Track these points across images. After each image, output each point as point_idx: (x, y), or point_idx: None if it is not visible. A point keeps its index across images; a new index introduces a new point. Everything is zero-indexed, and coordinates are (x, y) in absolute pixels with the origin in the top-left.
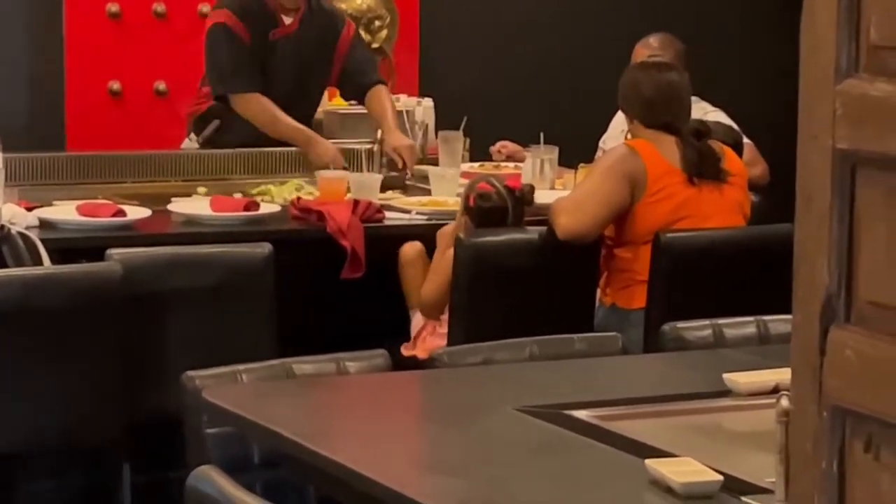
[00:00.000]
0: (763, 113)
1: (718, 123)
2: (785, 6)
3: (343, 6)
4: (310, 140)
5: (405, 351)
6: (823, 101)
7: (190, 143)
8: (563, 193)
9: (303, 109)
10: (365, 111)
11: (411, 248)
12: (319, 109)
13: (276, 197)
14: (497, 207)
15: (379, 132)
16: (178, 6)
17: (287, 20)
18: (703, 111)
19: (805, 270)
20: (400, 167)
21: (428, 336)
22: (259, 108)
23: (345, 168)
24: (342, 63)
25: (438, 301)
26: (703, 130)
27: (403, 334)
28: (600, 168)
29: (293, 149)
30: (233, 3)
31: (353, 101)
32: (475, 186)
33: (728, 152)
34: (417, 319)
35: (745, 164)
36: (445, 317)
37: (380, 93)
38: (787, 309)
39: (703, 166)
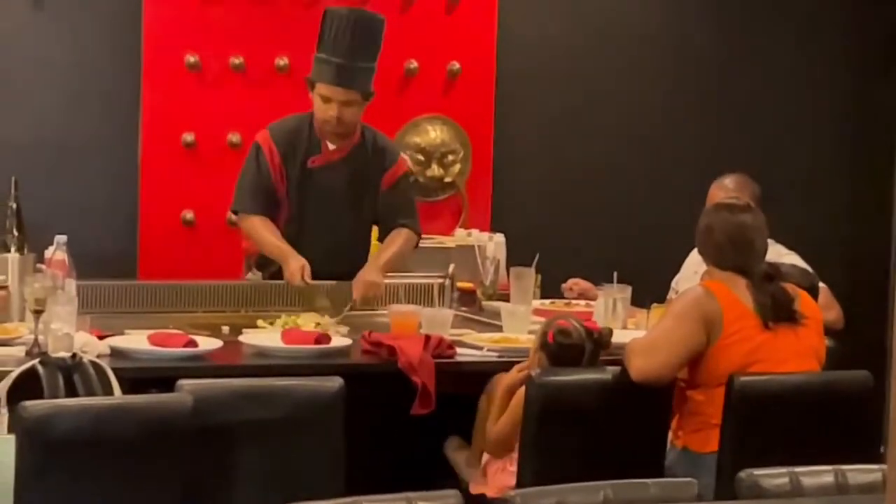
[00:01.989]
0: (837, 257)
1: (794, 266)
2: (864, 153)
3: (417, 140)
4: (284, 256)
5: (474, 488)
6: None
7: (253, 277)
8: (636, 333)
9: (350, 238)
10: (437, 246)
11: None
12: None
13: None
14: (575, 345)
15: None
16: (253, 135)
17: (331, 147)
18: (778, 254)
19: None
20: (353, 297)
21: (498, 472)
22: (255, 225)
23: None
24: (378, 201)
25: (506, 439)
26: (774, 273)
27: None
28: (676, 310)
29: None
30: (277, 126)
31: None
32: (554, 323)
33: (802, 295)
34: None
35: (819, 308)
36: (514, 454)
37: (396, 233)
38: (863, 456)
39: (776, 310)
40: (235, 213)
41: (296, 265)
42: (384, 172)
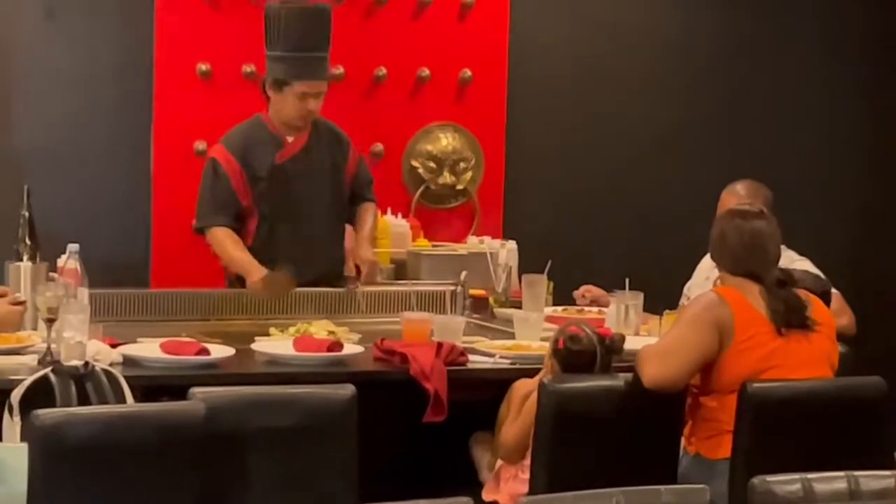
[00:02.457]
0: (849, 262)
1: (806, 272)
2: (876, 158)
3: (429, 147)
4: (247, 268)
5: (486, 495)
6: None
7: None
8: (648, 340)
9: (334, 222)
10: (450, 253)
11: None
12: (403, 249)
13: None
14: (585, 351)
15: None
16: None
17: (290, 139)
18: (790, 260)
19: None
20: (354, 275)
21: (511, 479)
22: (218, 240)
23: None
24: (349, 185)
25: (518, 445)
26: (787, 280)
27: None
28: (688, 316)
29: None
30: (231, 137)
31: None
32: (566, 330)
33: (815, 301)
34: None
35: (832, 314)
36: (527, 461)
37: (366, 207)
38: (875, 462)
39: (789, 316)
40: (201, 231)
41: (258, 277)
42: (346, 159)
